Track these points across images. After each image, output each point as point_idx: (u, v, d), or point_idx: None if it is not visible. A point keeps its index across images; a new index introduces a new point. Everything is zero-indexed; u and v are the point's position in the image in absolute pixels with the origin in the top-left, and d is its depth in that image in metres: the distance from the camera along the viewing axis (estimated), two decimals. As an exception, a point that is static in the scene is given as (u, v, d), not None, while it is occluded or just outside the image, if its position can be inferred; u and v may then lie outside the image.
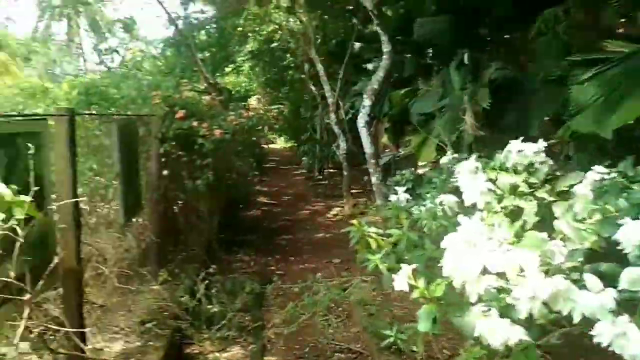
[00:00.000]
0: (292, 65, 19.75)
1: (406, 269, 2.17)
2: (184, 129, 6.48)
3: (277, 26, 18.10)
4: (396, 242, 3.43)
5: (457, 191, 3.71)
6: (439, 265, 2.11)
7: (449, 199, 3.30)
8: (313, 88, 15.16)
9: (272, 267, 7.38)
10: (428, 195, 3.60)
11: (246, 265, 7.39)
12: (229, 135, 6.98)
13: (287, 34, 18.00)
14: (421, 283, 2.13)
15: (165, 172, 6.17)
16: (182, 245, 7.08)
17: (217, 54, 18.37)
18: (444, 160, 3.95)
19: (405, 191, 3.74)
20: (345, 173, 11.20)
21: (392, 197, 3.89)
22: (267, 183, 15.83)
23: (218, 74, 19.30)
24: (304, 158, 16.65)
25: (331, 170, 14.28)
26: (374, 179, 7.80)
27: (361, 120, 7.62)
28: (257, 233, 9.23)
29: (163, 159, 6.14)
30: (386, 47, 7.34)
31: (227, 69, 21.42)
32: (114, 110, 6.23)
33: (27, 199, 1.70)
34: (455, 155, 3.94)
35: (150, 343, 4.26)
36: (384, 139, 11.08)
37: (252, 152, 10.12)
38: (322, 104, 15.33)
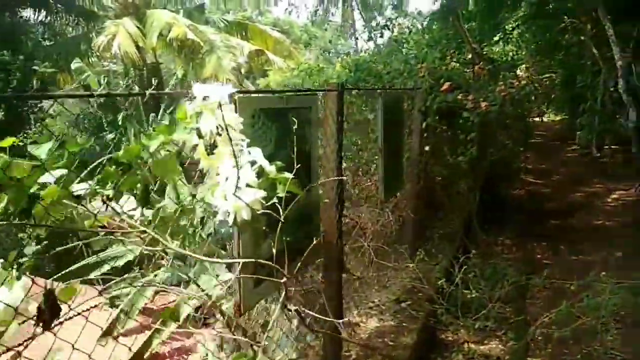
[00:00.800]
0: (569, 27, 17.52)
1: None
2: (448, 102, 6.16)
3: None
4: None
5: None
6: None
7: None
8: (595, 51, 13.09)
9: (538, 255, 6.61)
10: None
11: (508, 250, 6.76)
12: (496, 107, 6.37)
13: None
14: None
15: (427, 147, 5.97)
16: (441, 224, 6.85)
17: (485, 23, 17.41)
18: None
19: None
20: (634, 149, 9.38)
21: None
22: (534, 160, 14.46)
23: (485, 44, 18.31)
24: (578, 132, 14.66)
25: (613, 147, 12.20)
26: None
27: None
28: (522, 215, 8.41)
29: (425, 134, 5.94)
30: None
31: (495, 38, 20.18)
32: (380, 85, 6.24)
33: (289, 175, 1.58)
34: None
35: (405, 324, 4.13)
36: None
37: (519, 125, 9.22)
38: (606, 69, 13.16)
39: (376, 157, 4.71)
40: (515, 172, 9.67)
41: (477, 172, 6.72)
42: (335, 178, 2.97)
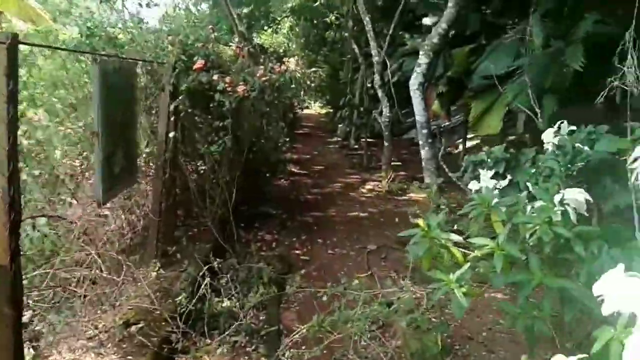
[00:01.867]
0: (334, 24, 18.42)
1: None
2: (202, 82, 5.37)
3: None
4: (483, 256, 2.27)
5: (584, 183, 2.49)
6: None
7: (577, 198, 2.09)
8: (356, 48, 13.78)
9: (297, 251, 6.31)
10: (534, 186, 2.38)
11: (267, 246, 6.33)
12: (255, 92, 5.82)
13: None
14: None
15: (174, 134, 5.11)
16: (194, 222, 6.08)
17: (255, 11, 17.22)
18: (548, 135, 2.70)
19: (494, 177, 2.55)
20: (386, 143, 9.96)
21: (472, 185, 2.69)
22: (298, 150, 14.70)
23: (255, 33, 18.13)
24: (340, 125, 15.40)
25: (368, 140, 13.04)
26: (423, 152, 6.58)
27: (415, 82, 6.35)
28: (283, 207, 8.14)
29: (173, 117, 5.07)
30: (452, -6, 6.01)
31: (266, 29, 20.19)
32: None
33: None
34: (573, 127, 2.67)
35: (129, 358, 3.24)
36: (435, 105, 9.70)
37: (283, 115, 8.98)
38: (365, 65, 14.00)
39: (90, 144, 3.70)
40: (278, 163, 9.46)
41: (236, 163, 6.11)
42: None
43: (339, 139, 16.85)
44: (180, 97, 5.14)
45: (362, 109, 12.44)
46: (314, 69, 27.46)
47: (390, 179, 9.75)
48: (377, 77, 9.48)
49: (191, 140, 5.68)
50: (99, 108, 3.06)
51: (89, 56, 4.43)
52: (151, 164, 5.28)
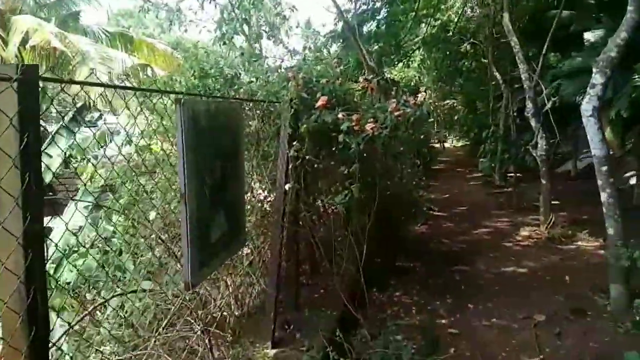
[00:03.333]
0: (469, 52, 17.18)
1: None
2: (325, 121, 4.63)
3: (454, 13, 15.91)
4: None
5: None
6: None
7: None
8: (497, 75, 12.43)
9: (443, 320, 5.17)
10: None
11: (405, 312, 5.30)
12: (387, 130, 4.94)
13: (465, 18, 15.63)
14: None
15: (293, 183, 4.39)
16: (318, 281, 5.28)
17: (386, 46, 16.69)
18: None
19: None
20: (543, 181, 8.45)
21: None
22: (435, 189, 13.49)
23: (386, 68, 17.54)
24: (482, 159, 13.95)
25: (516, 175, 11.47)
26: (604, 195, 5.14)
27: (588, 107, 5.01)
28: (422, 259, 7.06)
29: (292, 164, 4.37)
30: (635, -7, 4.66)
31: (397, 63, 19.56)
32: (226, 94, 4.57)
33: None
34: None
35: None
36: (606, 133, 8.03)
37: (418, 151, 8.00)
38: (508, 92, 12.55)
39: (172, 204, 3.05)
40: (415, 205, 8.43)
41: (363, 212, 5.24)
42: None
43: (481, 174, 15.37)
44: (298, 140, 4.43)
45: (508, 141, 10.95)
46: (447, 101, 26.18)
47: (551, 223, 8.20)
48: (529, 105, 8.11)
49: (314, 188, 4.93)
50: (185, 161, 2.38)
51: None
52: (270, 219, 4.59)
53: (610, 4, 7.61)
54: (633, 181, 11.14)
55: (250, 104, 4.31)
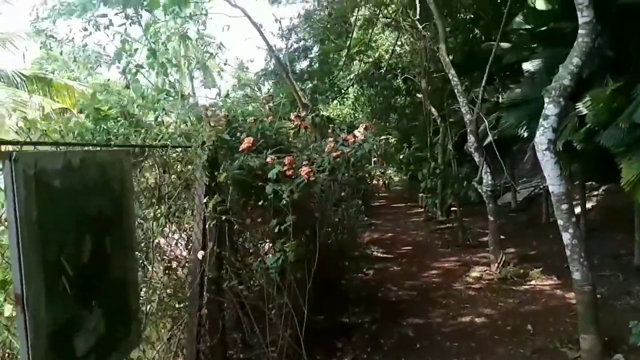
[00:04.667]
0: (403, 88, 17.15)
1: None
2: (251, 167, 3.89)
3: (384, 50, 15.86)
4: None
5: None
6: None
7: None
8: (432, 109, 12.23)
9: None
10: None
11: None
12: (326, 173, 4.26)
13: (397, 54, 15.58)
14: None
15: (212, 246, 3.59)
16: (251, 359, 4.43)
17: (320, 82, 16.41)
18: None
19: None
20: (490, 218, 8.01)
21: None
22: (377, 228, 12.94)
23: (321, 105, 17.19)
24: (422, 194, 13.60)
25: (459, 209, 11.10)
26: (566, 236, 4.64)
27: (543, 139, 4.54)
28: (370, 312, 6.33)
29: (210, 222, 3.57)
30: (585, 15, 4.29)
31: (332, 101, 19.30)
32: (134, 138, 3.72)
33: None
34: None
35: None
36: None
37: (358, 191, 7.37)
38: (443, 127, 12.35)
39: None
40: (357, 248, 7.75)
41: (302, 270, 4.48)
42: None
43: (421, 209, 15.01)
44: (219, 193, 3.66)
45: (450, 176, 10.60)
46: (383, 137, 26.17)
47: (502, 262, 7.73)
48: (471, 138, 7.73)
49: (241, 249, 4.15)
50: (22, 245, 1.57)
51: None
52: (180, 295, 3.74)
53: (544, 34, 7.44)
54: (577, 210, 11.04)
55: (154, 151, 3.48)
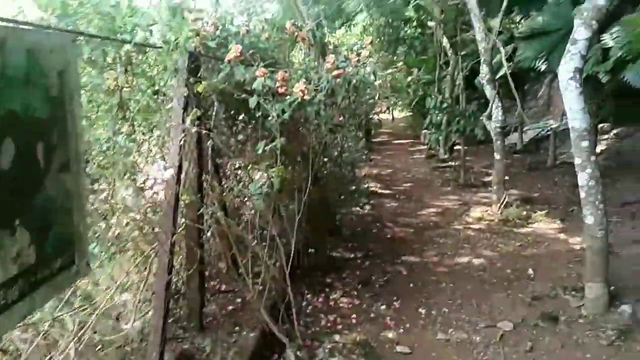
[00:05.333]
0: (414, 17, 16.21)
1: None
2: (239, 81, 3.43)
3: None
4: None
5: None
6: None
7: None
8: (444, 39, 11.50)
9: (390, 333, 4.16)
10: None
11: (344, 322, 4.26)
12: (323, 93, 3.82)
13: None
14: None
15: (187, 167, 3.20)
16: (235, 290, 4.16)
17: (326, 7, 15.49)
18: None
19: None
20: (497, 156, 7.58)
21: None
22: (377, 163, 12.57)
23: (326, 31, 16.31)
24: (427, 132, 13.14)
25: (463, 148, 10.67)
26: (582, 177, 4.23)
27: (568, 67, 4.04)
28: (364, 248, 6.06)
29: (183, 141, 3.15)
30: None
31: (339, 28, 18.32)
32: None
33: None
34: None
35: None
36: None
37: (359, 119, 6.86)
38: (454, 59, 11.65)
39: None
40: (355, 182, 7.36)
41: (292, 199, 4.12)
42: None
43: (424, 147, 14.56)
44: (201, 107, 3.22)
45: (457, 112, 10.06)
46: (390, 71, 25.24)
47: (504, 203, 7.39)
48: (485, 69, 7.15)
49: (224, 174, 3.76)
50: None
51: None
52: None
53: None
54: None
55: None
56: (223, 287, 4.34)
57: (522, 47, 7.12)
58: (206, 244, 3.81)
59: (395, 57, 22.22)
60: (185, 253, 3.62)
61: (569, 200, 7.69)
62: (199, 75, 3.31)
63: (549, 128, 12.07)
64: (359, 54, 4.49)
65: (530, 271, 5.23)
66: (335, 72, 3.95)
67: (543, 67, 6.74)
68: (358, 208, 7.45)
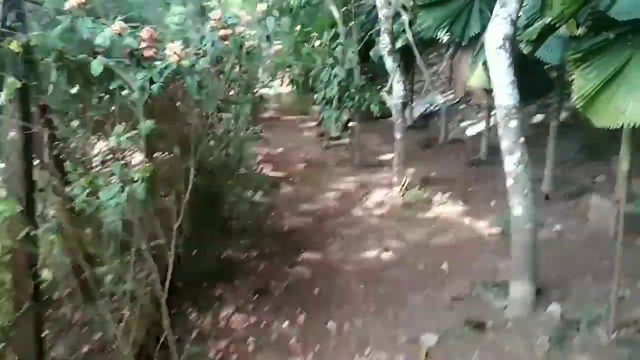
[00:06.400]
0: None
1: None
2: (84, 39, 2.39)
3: None
4: None
5: None
6: None
7: None
8: (334, 9, 10.76)
9: (290, 341, 3.39)
10: None
11: (238, 352, 3.41)
12: (207, 59, 2.88)
13: None
14: None
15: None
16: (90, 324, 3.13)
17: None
18: None
19: None
20: (398, 135, 7.06)
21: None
22: (267, 142, 11.61)
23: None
24: (314, 106, 12.43)
25: (353, 125, 10.11)
26: (511, 160, 3.70)
27: (497, 35, 3.46)
28: (259, 244, 5.22)
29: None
30: None
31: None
32: None
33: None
34: None
35: None
36: (473, 78, 6.68)
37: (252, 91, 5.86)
38: (343, 29, 10.99)
39: None
40: (246, 166, 6.42)
41: (174, 187, 3.15)
42: None
43: (314, 124, 13.88)
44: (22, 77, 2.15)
45: (352, 86, 9.43)
46: (275, 43, 24.19)
47: (405, 185, 6.92)
48: (385, 39, 6.50)
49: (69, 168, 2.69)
50: None
51: None
52: None
53: None
54: (471, 132, 10.60)
55: None
56: (78, 317, 3.28)
57: (422, 15, 6.57)
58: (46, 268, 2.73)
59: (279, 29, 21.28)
60: (11, 285, 2.53)
61: (467, 180, 7.42)
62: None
63: (436, 104, 11.95)
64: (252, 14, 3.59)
65: (445, 265, 4.72)
66: (222, 32, 3.02)
67: (445, 38, 6.24)
68: (249, 194, 6.56)
